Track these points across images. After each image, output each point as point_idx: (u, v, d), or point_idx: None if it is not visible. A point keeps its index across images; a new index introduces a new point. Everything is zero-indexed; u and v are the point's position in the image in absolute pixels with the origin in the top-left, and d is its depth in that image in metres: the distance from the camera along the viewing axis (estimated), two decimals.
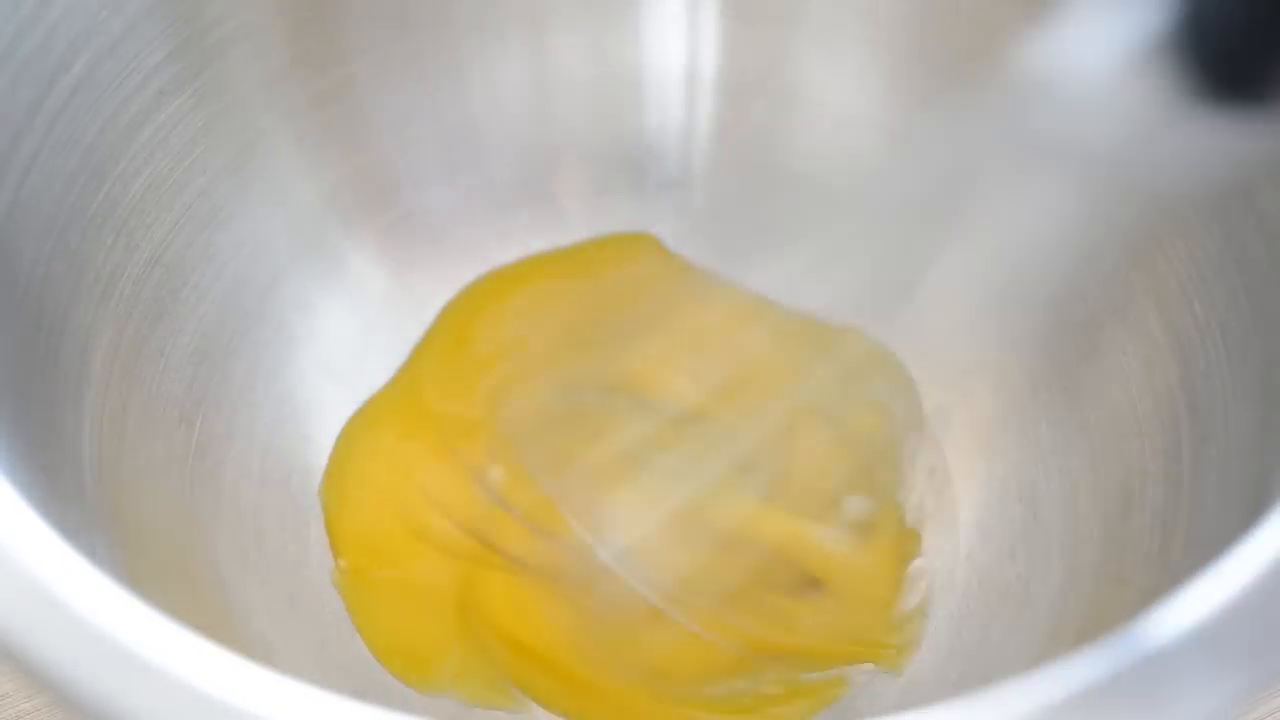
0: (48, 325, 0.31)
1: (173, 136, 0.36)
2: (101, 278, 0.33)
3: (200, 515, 0.35)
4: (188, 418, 0.36)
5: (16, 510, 0.23)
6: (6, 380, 0.28)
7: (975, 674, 0.34)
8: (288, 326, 0.40)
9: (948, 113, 0.29)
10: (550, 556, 0.36)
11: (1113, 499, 0.33)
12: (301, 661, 0.34)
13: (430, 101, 0.41)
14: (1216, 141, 0.20)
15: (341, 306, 0.41)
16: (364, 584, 0.37)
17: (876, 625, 0.36)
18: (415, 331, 0.42)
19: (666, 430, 0.38)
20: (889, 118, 0.41)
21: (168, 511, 0.33)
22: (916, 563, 0.37)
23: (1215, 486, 0.29)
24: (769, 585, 0.36)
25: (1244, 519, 0.23)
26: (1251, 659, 0.20)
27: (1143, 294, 0.33)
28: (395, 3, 0.40)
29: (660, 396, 0.40)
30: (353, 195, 0.41)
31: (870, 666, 0.36)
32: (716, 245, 0.42)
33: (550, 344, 0.41)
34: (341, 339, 0.41)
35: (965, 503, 0.38)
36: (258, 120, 0.39)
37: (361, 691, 0.34)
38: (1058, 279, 0.33)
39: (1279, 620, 0.20)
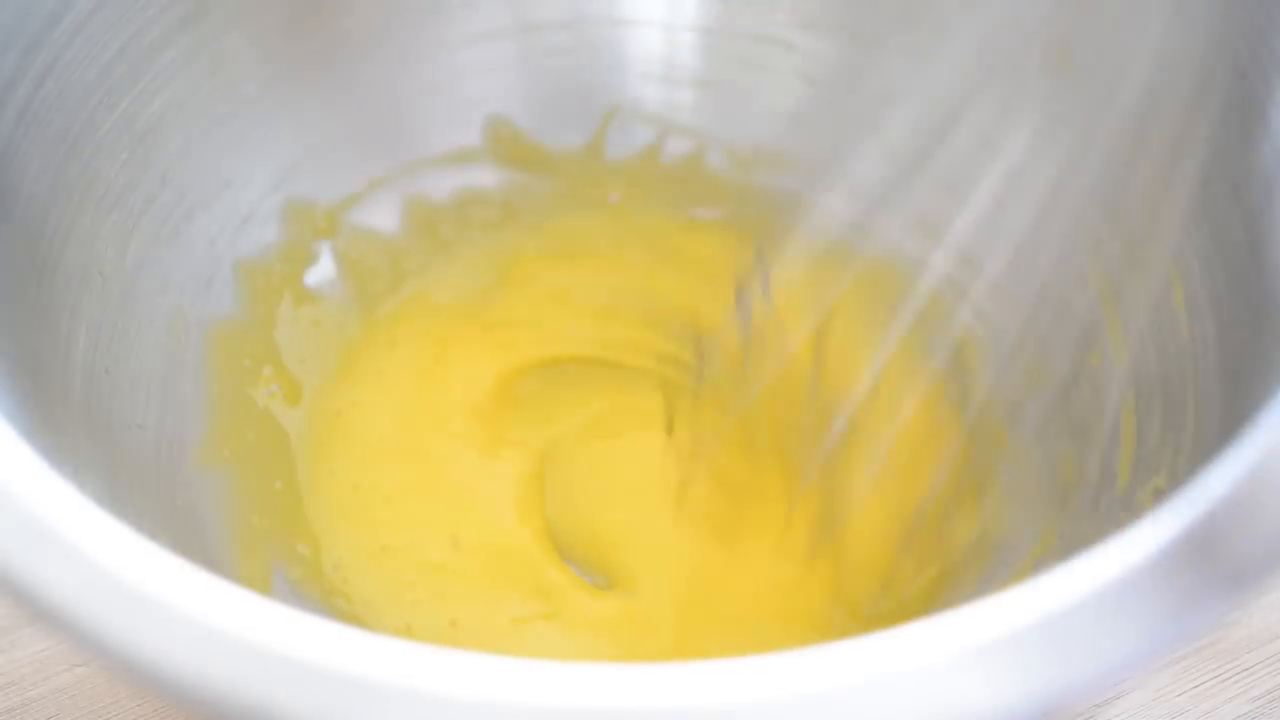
0: (51, 232, 0.31)
1: (195, 62, 0.36)
2: (112, 191, 0.34)
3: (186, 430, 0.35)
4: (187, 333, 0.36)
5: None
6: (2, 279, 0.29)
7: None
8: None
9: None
10: None
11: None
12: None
13: None
14: None
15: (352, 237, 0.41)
16: None
17: None
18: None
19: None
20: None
21: (154, 420, 0.34)
22: None
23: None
24: None
25: None
26: None
27: None
28: None
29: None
30: (369, 133, 0.41)
31: None
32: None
33: None
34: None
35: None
36: (283, 52, 0.39)
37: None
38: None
39: None
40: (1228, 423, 0.25)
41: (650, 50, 0.43)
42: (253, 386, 0.38)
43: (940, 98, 0.30)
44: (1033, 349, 0.36)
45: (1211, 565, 0.20)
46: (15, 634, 0.36)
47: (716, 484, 0.37)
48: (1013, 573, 0.33)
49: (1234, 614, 0.20)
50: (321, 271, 0.41)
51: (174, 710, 0.34)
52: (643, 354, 0.40)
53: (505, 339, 0.41)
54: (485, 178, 0.43)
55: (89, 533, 0.21)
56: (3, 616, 0.36)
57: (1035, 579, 0.20)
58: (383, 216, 0.41)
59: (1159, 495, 0.22)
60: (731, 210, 0.43)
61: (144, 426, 0.33)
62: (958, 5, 0.37)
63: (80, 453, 0.29)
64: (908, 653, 0.19)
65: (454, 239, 0.42)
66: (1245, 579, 0.20)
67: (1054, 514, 0.34)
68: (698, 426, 0.38)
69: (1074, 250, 0.31)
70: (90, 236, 0.33)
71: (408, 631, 0.35)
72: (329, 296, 0.40)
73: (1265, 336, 0.27)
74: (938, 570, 0.35)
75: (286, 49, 0.39)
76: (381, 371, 0.40)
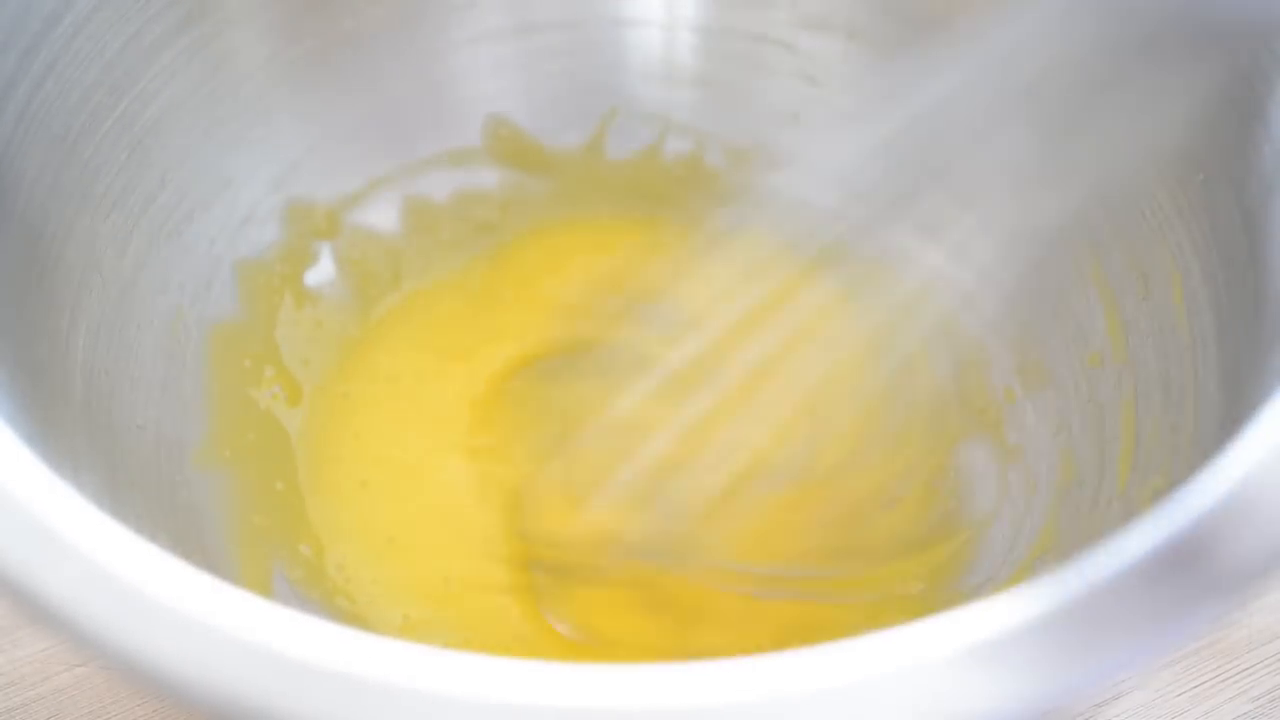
0: (51, 232, 0.31)
1: (194, 62, 0.36)
2: (112, 191, 0.34)
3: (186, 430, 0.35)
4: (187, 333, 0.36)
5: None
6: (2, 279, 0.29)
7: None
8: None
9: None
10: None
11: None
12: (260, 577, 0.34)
13: None
14: None
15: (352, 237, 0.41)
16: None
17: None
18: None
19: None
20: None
21: (154, 421, 0.34)
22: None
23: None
24: None
25: None
26: None
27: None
28: None
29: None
30: (369, 133, 0.41)
31: None
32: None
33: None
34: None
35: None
36: (283, 52, 0.39)
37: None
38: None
39: None
40: (1226, 422, 0.25)
41: (650, 50, 0.43)
42: (254, 387, 0.38)
43: (940, 97, 0.30)
44: (1032, 347, 0.36)
45: (1210, 565, 0.20)
46: (15, 634, 0.36)
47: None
48: (1012, 573, 0.33)
49: (1233, 614, 0.20)
50: (321, 271, 0.41)
51: (174, 710, 0.34)
52: (640, 350, 0.40)
53: (505, 338, 0.41)
54: (485, 178, 0.43)
55: (89, 533, 0.21)
56: (3, 616, 0.36)
57: (1035, 579, 0.20)
58: (383, 216, 0.42)
59: (1157, 495, 0.22)
60: (731, 210, 0.43)
61: (144, 427, 0.33)
62: (958, 6, 0.38)
63: (80, 453, 0.29)
64: (907, 653, 0.19)
65: (454, 239, 0.42)
66: (1244, 579, 0.20)
67: (1053, 513, 0.34)
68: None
69: (1074, 249, 0.31)
70: (90, 236, 0.33)
71: (406, 623, 0.35)
72: (329, 296, 0.40)
73: (1265, 336, 0.27)
74: (934, 568, 0.35)
75: (287, 49, 0.39)
76: (382, 371, 0.40)
